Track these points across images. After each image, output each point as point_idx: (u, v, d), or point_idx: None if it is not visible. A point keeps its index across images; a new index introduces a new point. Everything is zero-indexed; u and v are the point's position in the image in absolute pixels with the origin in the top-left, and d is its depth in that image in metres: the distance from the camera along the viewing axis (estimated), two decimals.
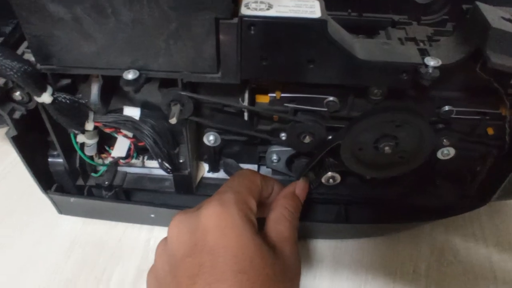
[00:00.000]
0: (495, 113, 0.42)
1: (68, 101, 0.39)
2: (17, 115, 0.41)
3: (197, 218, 0.35)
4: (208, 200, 0.36)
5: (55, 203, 0.53)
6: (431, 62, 0.35)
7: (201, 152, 0.51)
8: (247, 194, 0.37)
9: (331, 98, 0.41)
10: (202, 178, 0.53)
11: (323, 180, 0.48)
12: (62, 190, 0.51)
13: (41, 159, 0.50)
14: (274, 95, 0.43)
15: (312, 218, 0.51)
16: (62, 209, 0.54)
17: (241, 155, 0.51)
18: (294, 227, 0.40)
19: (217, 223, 0.34)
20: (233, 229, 0.33)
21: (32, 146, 0.47)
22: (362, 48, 0.36)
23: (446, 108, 0.41)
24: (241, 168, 0.51)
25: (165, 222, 0.52)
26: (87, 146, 0.47)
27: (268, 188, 0.43)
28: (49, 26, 0.35)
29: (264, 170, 0.52)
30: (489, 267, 0.52)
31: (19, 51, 0.38)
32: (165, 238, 0.37)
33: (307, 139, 0.43)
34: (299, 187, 0.45)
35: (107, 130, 0.45)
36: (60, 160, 0.49)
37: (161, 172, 0.49)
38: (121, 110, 0.44)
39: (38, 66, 0.37)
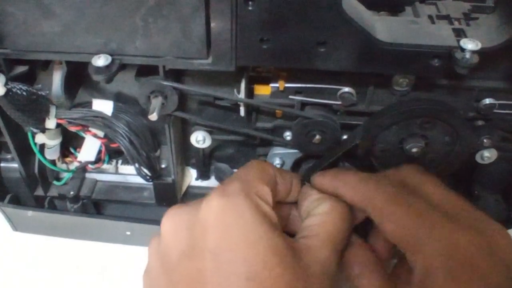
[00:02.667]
0: None
1: (24, 93, 0.39)
2: None
3: (195, 213, 0.34)
4: (212, 191, 0.35)
5: (8, 218, 0.52)
6: (469, 45, 0.35)
7: (187, 156, 0.51)
8: (258, 182, 0.36)
9: (346, 89, 0.41)
10: (189, 187, 0.53)
11: None
12: (17, 201, 0.51)
13: None
14: (276, 85, 0.42)
15: None
16: (17, 225, 0.54)
17: (237, 158, 0.51)
18: (349, 227, 0.37)
19: (219, 219, 0.32)
20: (240, 225, 0.32)
21: None
22: (384, 28, 0.36)
23: (487, 101, 0.41)
24: None
25: (143, 241, 0.52)
26: (48, 148, 0.47)
27: (286, 183, 0.40)
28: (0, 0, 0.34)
29: None
30: None
31: None
32: (158, 234, 0.37)
33: (317, 139, 0.43)
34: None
35: (73, 129, 0.45)
36: (15, 165, 0.49)
37: (138, 179, 0.49)
38: (90, 104, 0.44)
39: None
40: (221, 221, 0.32)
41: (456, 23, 0.39)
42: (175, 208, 0.36)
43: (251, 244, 0.31)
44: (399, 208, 0.35)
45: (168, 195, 0.50)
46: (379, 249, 0.40)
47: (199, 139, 0.46)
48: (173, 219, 0.35)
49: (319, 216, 0.37)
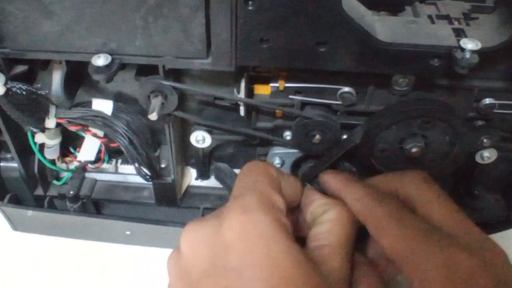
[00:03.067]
0: None
1: (24, 93, 0.39)
2: None
3: (216, 230, 0.34)
4: (227, 206, 0.35)
5: (8, 218, 0.52)
6: (469, 45, 0.35)
7: (187, 155, 0.51)
8: (273, 192, 0.35)
9: (346, 89, 0.41)
10: (189, 186, 0.53)
11: None
12: (17, 201, 0.51)
13: None
14: (276, 85, 0.42)
15: None
16: (17, 225, 0.54)
17: (236, 158, 0.51)
18: (354, 232, 0.38)
19: (240, 235, 0.32)
20: (263, 242, 0.32)
21: None
22: (383, 27, 0.36)
23: (487, 101, 0.41)
24: (236, 175, 0.51)
25: (143, 241, 0.52)
26: (48, 148, 0.47)
27: (291, 186, 0.40)
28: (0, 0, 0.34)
29: None
30: None
31: None
32: (177, 249, 0.36)
33: (317, 139, 0.43)
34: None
35: (72, 128, 0.45)
36: (15, 164, 0.49)
37: (138, 179, 0.49)
38: (90, 103, 0.44)
39: None
40: (243, 239, 0.32)
41: (456, 23, 0.39)
42: (194, 224, 0.36)
43: (274, 260, 0.31)
44: (398, 224, 0.35)
45: (168, 194, 0.50)
46: (377, 260, 0.40)
47: (199, 139, 0.46)
48: (193, 236, 0.35)
49: (327, 224, 0.37)
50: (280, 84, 0.42)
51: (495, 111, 0.42)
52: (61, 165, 0.50)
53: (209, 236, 0.34)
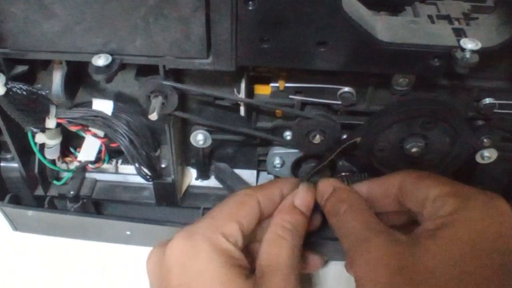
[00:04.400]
0: None
1: (24, 93, 0.39)
2: None
3: (163, 254, 0.37)
4: (180, 230, 0.39)
5: (8, 218, 0.52)
6: (469, 45, 0.35)
7: (187, 155, 0.51)
8: (226, 219, 0.38)
9: (346, 89, 0.41)
10: (189, 186, 0.53)
11: None
12: (17, 201, 0.51)
13: None
14: (276, 85, 0.42)
15: (324, 235, 0.51)
16: (17, 225, 0.54)
17: (237, 158, 0.51)
18: (293, 249, 0.39)
19: (179, 259, 0.36)
20: (196, 265, 0.36)
21: None
22: (384, 27, 0.36)
23: (487, 101, 0.41)
24: (236, 175, 0.51)
25: (143, 241, 0.52)
26: (48, 148, 0.47)
27: (273, 201, 0.42)
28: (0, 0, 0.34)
29: (265, 177, 0.52)
30: None
31: None
32: None
33: (317, 139, 0.43)
34: (299, 197, 0.43)
35: (73, 128, 0.45)
36: (15, 164, 0.49)
37: (138, 179, 0.49)
38: (90, 103, 0.44)
39: None
40: (180, 262, 0.36)
41: (456, 23, 0.39)
42: (153, 249, 0.40)
43: (205, 281, 0.35)
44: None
45: (168, 194, 0.50)
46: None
47: (199, 139, 0.46)
48: (151, 259, 0.39)
49: (265, 244, 0.39)
50: (280, 84, 0.42)
51: (495, 111, 0.42)
52: (61, 165, 0.50)
53: (159, 258, 0.38)
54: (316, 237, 0.45)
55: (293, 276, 0.37)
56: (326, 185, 0.42)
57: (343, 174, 0.46)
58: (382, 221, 0.39)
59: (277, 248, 0.39)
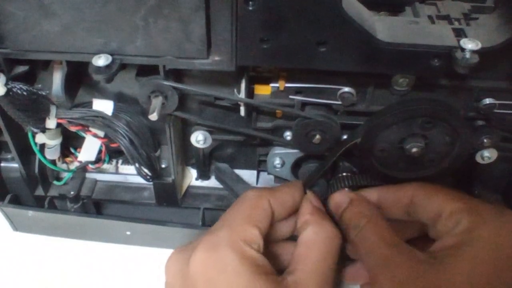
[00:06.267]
0: None
1: (25, 93, 0.39)
2: None
3: (187, 264, 0.36)
4: (200, 239, 0.37)
5: (9, 218, 0.52)
6: (469, 45, 0.35)
7: (187, 156, 0.51)
8: (245, 225, 0.38)
9: (346, 89, 0.41)
10: (189, 187, 0.53)
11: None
12: (17, 201, 0.51)
13: None
14: (277, 85, 0.42)
15: None
16: (17, 225, 0.54)
17: (237, 159, 0.51)
18: (334, 257, 0.38)
19: (205, 272, 0.35)
20: (223, 278, 0.35)
21: None
22: (384, 27, 0.36)
23: (487, 101, 0.41)
24: (236, 175, 0.51)
25: (143, 241, 0.52)
26: (49, 148, 0.47)
27: (285, 205, 0.42)
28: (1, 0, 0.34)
29: (265, 177, 0.52)
30: None
31: None
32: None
33: (317, 139, 0.43)
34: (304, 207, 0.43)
35: (73, 128, 0.45)
36: (15, 164, 0.49)
37: (139, 179, 0.49)
38: (90, 103, 0.44)
39: None
40: (206, 274, 0.35)
41: (456, 23, 0.39)
42: (176, 253, 0.39)
43: None
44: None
45: (168, 195, 0.50)
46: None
47: (199, 139, 0.46)
48: (172, 267, 0.39)
49: (303, 245, 0.39)
50: (280, 84, 0.42)
51: (495, 111, 0.42)
52: (61, 165, 0.50)
53: (182, 268, 0.37)
54: None
55: (329, 281, 0.37)
56: (343, 196, 0.42)
57: (344, 174, 0.46)
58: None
59: (315, 255, 0.38)
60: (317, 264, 0.37)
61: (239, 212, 0.39)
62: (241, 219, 0.38)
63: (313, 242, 0.38)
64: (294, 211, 0.42)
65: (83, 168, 0.50)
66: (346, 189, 0.44)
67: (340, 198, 0.42)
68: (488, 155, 0.45)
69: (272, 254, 0.42)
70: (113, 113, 0.43)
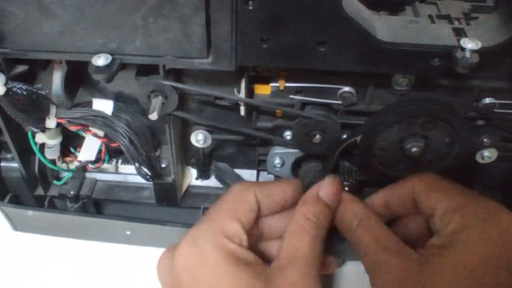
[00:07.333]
0: None
1: (24, 92, 0.39)
2: None
3: (171, 260, 0.37)
4: (185, 236, 0.38)
5: (8, 218, 0.52)
6: (469, 44, 0.35)
7: (187, 155, 0.51)
8: (227, 219, 0.38)
9: (346, 89, 0.41)
10: (189, 186, 0.53)
11: None
12: (17, 201, 0.51)
13: None
14: (277, 85, 0.42)
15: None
16: (17, 225, 0.54)
17: (237, 158, 0.51)
18: (316, 241, 0.38)
19: (187, 266, 0.36)
20: (204, 270, 0.36)
21: None
22: (384, 27, 0.36)
23: (487, 100, 0.41)
24: (236, 175, 0.51)
25: (143, 241, 0.52)
26: (48, 148, 0.47)
27: (272, 200, 0.42)
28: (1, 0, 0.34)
29: (265, 177, 0.52)
30: None
31: None
32: None
33: (317, 139, 0.43)
34: (324, 187, 0.42)
35: (73, 128, 0.45)
36: (15, 164, 0.49)
37: (139, 179, 0.49)
38: (90, 103, 0.44)
39: None
40: (188, 270, 0.36)
41: (456, 22, 0.39)
42: (163, 252, 0.40)
43: (215, 284, 0.35)
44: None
45: (168, 194, 0.50)
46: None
47: (199, 138, 0.46)
48: (161, 264, 0.40)
49: (287, 235, 0.39)
50: (280, 84, 0.42)
51: (495, 110, 0.42)
52: (61, 165, 0.50)
53: (168, 264, 0.38)
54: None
55: (313, 270, 0.36)
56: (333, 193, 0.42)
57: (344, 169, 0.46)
58: (400, 228, 0.40)
59: (298, 240, 0.38)
60: (302, 250, 0.37)
61: (222, 205, 0.39)
62: (223, 213, 0.39)
63: (296, 234, 0.39)
64: (286, 207, 0.42)
65: (83, 167, 0.50)
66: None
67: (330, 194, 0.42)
68: (488, 154, 0.45)
69: (268, 253, 0.42)
70: (113, 112, 0.43)
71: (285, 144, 0.47)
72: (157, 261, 0.40)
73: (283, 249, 0.38)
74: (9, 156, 0.50)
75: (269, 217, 0.42)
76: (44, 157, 0.48)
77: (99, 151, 0.48)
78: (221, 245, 0.36)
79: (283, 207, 0.42)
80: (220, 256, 0.36)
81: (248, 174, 0.52)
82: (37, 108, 0.41)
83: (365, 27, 0.35)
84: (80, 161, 0.49)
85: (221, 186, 0.52)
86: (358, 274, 0.53)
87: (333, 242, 0.47)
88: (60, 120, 0.43)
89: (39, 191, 0.51)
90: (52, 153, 0.48)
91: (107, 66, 0.37)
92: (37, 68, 0.42)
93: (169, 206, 0.52)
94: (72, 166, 0.50)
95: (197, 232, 0.38)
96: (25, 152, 0.47)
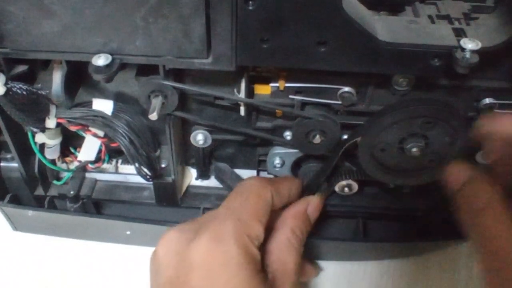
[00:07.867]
0: None
1: (24, 92, 0.39)
2: None
3: (187, 247, 0.35)
4: (206, 225, 0.36)
5: (8, 218, 0.52)
6: (469, 44, 0.35)
7: (187, 155, 0.51)
8: (252, 220, 0.37)
9: (346, 89, 0.41)
10: (189, 186, 0.53)
11: (336, 188, 0.48)
12: (17, 201, 0.51)
13: None
14: (277, 85, 0.42)
15: (324, 235, 0.51)
16: (17, 225, 0.54)
17: (237, 158, 0.51)
18: (300, 257, 0.40)
19: (206, 261, 0.35)
20: (224, 271, 0.34)
21: None
22: (384, 27, 0.36)
23: (487, 101, 0.41)
24: (236, 175, 0.51)
25: (143, 241, 0.52)
26: (48, 148, 0.47)
27: (282, 198, 0.42)
28: None
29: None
30: None
31: None
32: (156, 247, 0.38)
33: (317, 139, 0.43)
34: (313, 205, 0.44)
35: (73, 128, 0.45)
36: (15, 164, 0.49)
37: (138, 179, 0.49)
38: (90, 103, 0.44)
39: None
40: (208, 263, 0.34)
41: (456, 23, 0.39)
42: (174, 231, 0.37)
43: (234, 286, 0.34)
44: None
45: (168, 194, 0.50)
46: None
47: (199, 139, 0.46)
48: (169, 243, 0.37)
49: (276, 247, 0.40)
50: (280, 84, 0.42)
51: (496, 111, 0.42)
52: (61, 165, 0.50)
53: (180, 248, 0.36)
54: (313, 237, 0.45)
55: (298, 282, 0.39)
56: (462, 170, 0.36)
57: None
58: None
59: (287, 256, 0.39)
60: (289, 265, 0.39)
61: (247, 204, 0.38)
62: (249, 214, 0.37)
63: (285, 244, 0.40)
64: (286, 205, 0.43)
65: (83, 167, 0.50)
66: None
67: (458, 171, 0.36)
68: None
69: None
70: (113, 112, 0.44)
71: (285, 144, 0.47)
72: (163, 235, 0.38)
73: (274, 263, 0.39)
74: (9, 156, 0.50)
75: None
76: (44, 157, 0.48)
77: (99, 151, 0.48)
78: (245, 247, 0.35)
79: (284, 205, 0.42)
80: (244, 259, 0.35)
81: (248, 174, 0.52)
82: (37, 108, 0.41)
83: (365, 27, 0.35)
84: (80, 161, 0.49)
85: (221, 186, 0.52)
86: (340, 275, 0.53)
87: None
88: (60, 120, 0.43)
89: (39, 191, 0.51)
90: (52, 153, 0.48)
91: (107, 66, 0.37)
92: (37, 68, 0.42)
93: (169, 206, 0.52)
94: (72, 166, 0.51)
95: (222, 228, 0.36)
96: (25, 152, 0.47)
